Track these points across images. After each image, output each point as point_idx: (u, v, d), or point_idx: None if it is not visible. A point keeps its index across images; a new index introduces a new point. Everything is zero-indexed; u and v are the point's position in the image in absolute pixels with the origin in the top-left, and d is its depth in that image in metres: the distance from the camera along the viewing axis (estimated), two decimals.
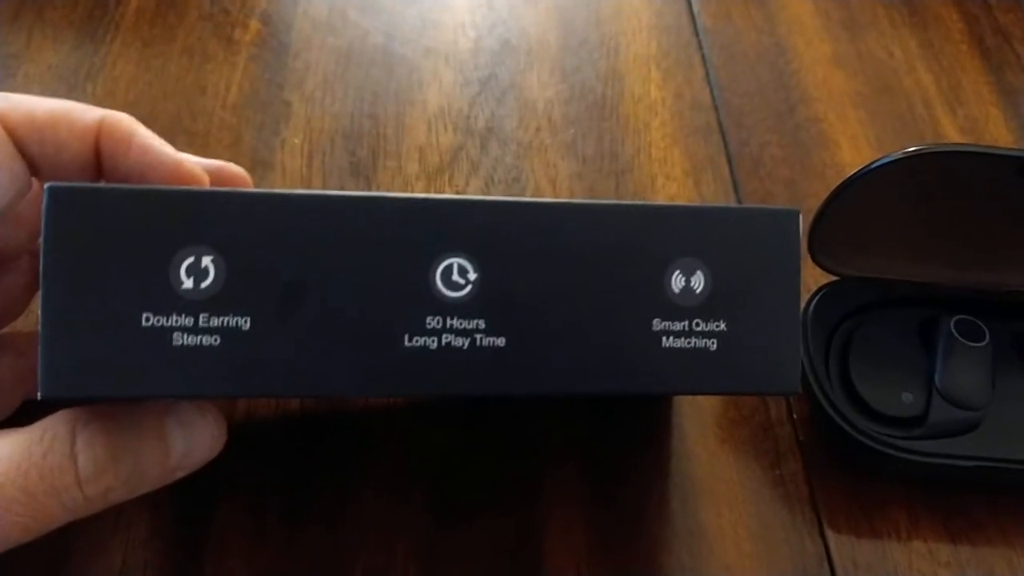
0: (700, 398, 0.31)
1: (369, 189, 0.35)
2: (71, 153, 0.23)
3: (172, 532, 0.26)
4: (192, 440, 0.21)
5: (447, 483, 0.28)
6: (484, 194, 0.36)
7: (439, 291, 0.20)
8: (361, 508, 0.27)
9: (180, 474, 0.22)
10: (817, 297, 0.30)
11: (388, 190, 0.36)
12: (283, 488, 0.27)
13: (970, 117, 0.42)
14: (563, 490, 0.28)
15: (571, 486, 0.28)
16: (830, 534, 0.28)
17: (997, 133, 0.41)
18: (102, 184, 0.22)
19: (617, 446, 0.29)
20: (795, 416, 0.31)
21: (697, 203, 0.36)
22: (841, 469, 0.29)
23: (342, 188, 0.35)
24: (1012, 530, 0.29)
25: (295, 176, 0.35)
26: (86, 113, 0.23)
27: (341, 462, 0.28)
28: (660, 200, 0.36)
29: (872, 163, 0.29)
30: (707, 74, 0.42)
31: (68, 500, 0.20)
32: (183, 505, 0.26)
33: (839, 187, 0.29)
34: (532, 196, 0.36)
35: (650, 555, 0.27)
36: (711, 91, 0.41)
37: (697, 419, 0.30)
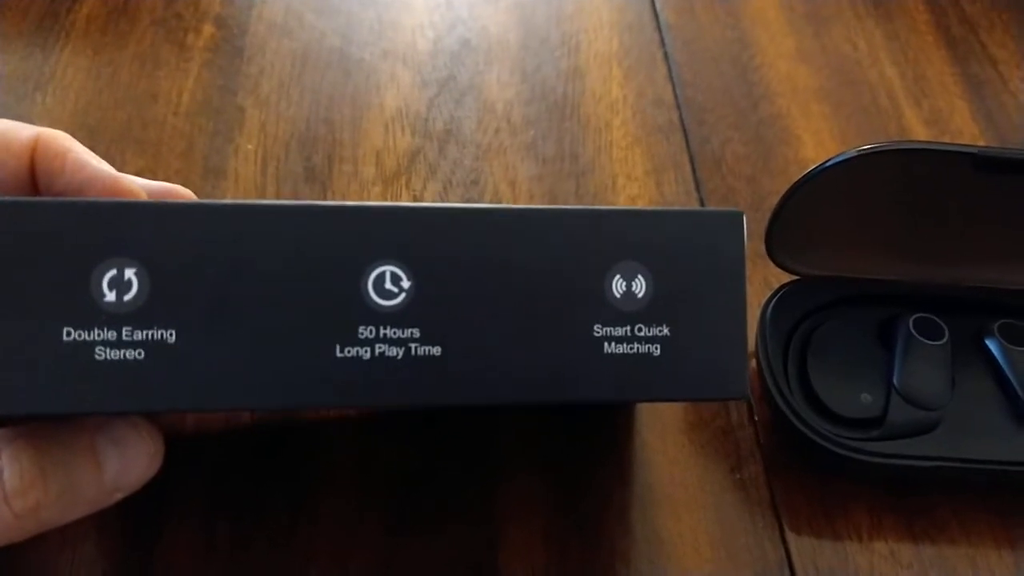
0: (659, 403, 0.30)
1: (324, 195, 0.35)
2: (6, 171, 0.22)
3: (119, 552, 0.26)
4: (126, 457, 0.21)
5: (402, 496, 0.27)
6: (442, 198, 0.35)
7: (372, 300, 0.20)
8: (313, 525, 0.26)
9: (119, 495, 0.21)
10: (776, 297, 0.30)
11: (344, 195, 0.35)
12: (233, 504, 0.27)
13: (935, 109, 0.41)
14: (521, 502, 0.28)
15: (530, 497, 0.28)
16: (791, 537, 0.28)
17: (962, 125, 0.41)
18: (20, 197, 0.21)
19: (577, 454, 0.29)
20: (756, 419, 0.30)
21: (645, 206, 0.36)
22: (802, 472, 0.29)
23: (296, 194, 0.35)
24: (974, 529, 0.28)
25: (248, 183, 0.34)
26: (21, 131, 0.23)
27: (293, 476, 0.27)
28: (620, 201, 0.36)
29: (826, 162, 0.28)
30: (669, 71, 0.41)
31: None
32: (130, 524, 0.26)
33: (794, 185, 0.29)
34: (491, 199, 0.35)
35: (609, 565, 0.27)
36: (673, 88, 0.41)
37: (657, 424, 0.30)
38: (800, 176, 0.29)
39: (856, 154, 0.28)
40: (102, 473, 0.20)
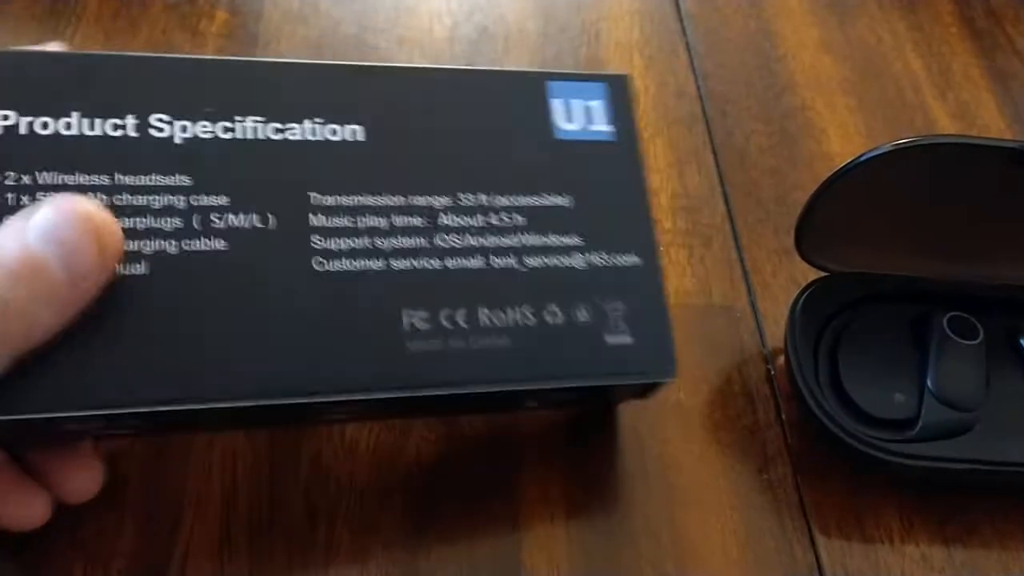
0: (684, 399, 0.30)
1: None
2: None
3: (136, 549, 0.25)
4: (62, 241, 0.19)
5: (423, 495, 0.27)
6: None
7: None
8: (332, 524, 0.26)
9: (85, 284, 0.19)
10: (806, 294, 0.29)
11: None
12: (250, 500, 0.26)
13: (961, 102, 0.41)
14: (544, 501, 0.27)
15: (552, 496, 0.27)
16: (820, 540, 0.27)
17: (989, 118, 0.40)
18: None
19: (599, 453, 0.28)
20: (784, 418, 0.30)
21: (666, 197, 0.35)
22: (831, 473, 0.28)
23: None
24: (1008, 533, 0.28)
25: None
26: None
27: (310, 472, 0.27)
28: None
29: (859, 157, 0.27)
30: (691, 61, 0.40)
31: None
32: (147, 520, 0.25)
33: (826, 182, 0.28)
34: None
35: (635, 565, 0.26)
36: (695, 79, 0.40)
37: (682, 423, 0.29)
38: (833, 171, 0.28)
39: (891, 148, 0.27)
40: (48, 268, 0.19)
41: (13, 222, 0.19)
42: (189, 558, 0.25)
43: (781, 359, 0.31)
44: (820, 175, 0.35)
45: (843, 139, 0.38)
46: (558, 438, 0.28)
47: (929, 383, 0.28)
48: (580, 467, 0.28)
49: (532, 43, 0.40)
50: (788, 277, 0.33)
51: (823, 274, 0.31)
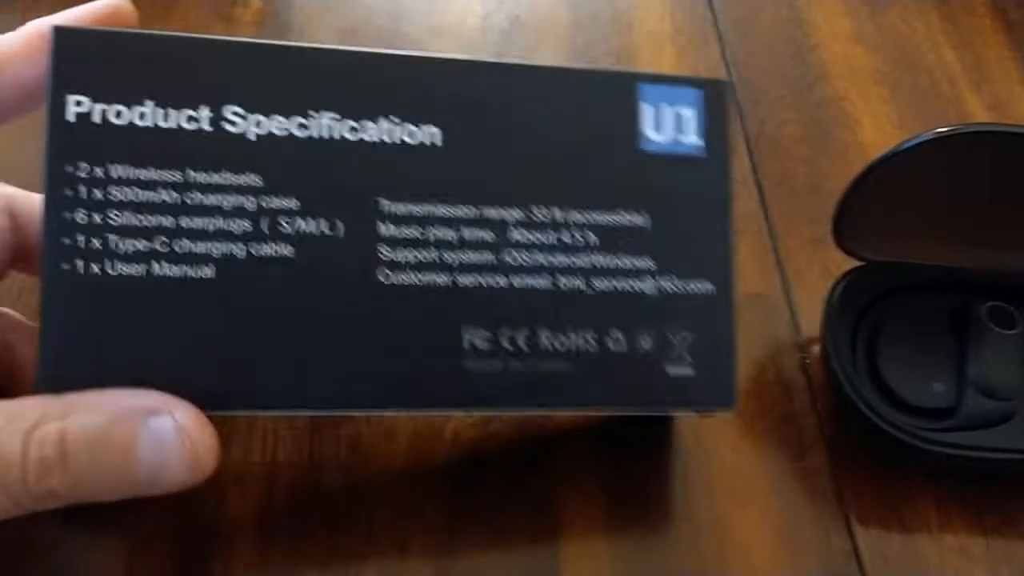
0: None
1: None
2: None
3: (178, 525, 0.25)
4: (167, 461, 0.20)
5: (461, 486, 0.27)
6: None
7: None
8: (372, 511, 0.26)
9: (156, 491, 0.20)
10: (843, 282, 0.29)
11: None
12: (291, 487, 0.26)
13: (995, 94, 0.40)
14: (581, 490, 0.27)
15: (589, 487, 0.27)
16: (858, 529, 0.27)
17: (1023, 111, 0.40)
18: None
19: (635, 442, 0.28)
20: (819, 407, 0.30)
21: None
22: (867, 461, 0.28)
23: None
24: None
25: None
26: None
27: (349, 461, 0.27)
28: None
29: (901, 145, 0.27)
30: (723, 51, 0.40)
31: (14, 493, 0.19)
32: (190, 498, 0.25)
33: (866, 170, 0.28)
34: None
35: (674, 553, 0.26)
36: (727, 68, 0.40)
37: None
38: (872, 160, 0.28)
39: (934, 136, 0.27)
40: (136, 468, 0.19)
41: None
42: (232, 541, 0.25)
43: (815, 348, 0.31)
44: (854, 165, 0.35)
45: (877, 129, 0.38)
46: (595, 423, 0.28)
47: (969, 372, 0.28)
48: (617, 451, 0.28)
49: (564, 33, 0.40)
50: (822, 267, 0.33)
51: (858, 263, 0.30)
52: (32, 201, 0.24)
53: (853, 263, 0.30)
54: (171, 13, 0.38)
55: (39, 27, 0.21)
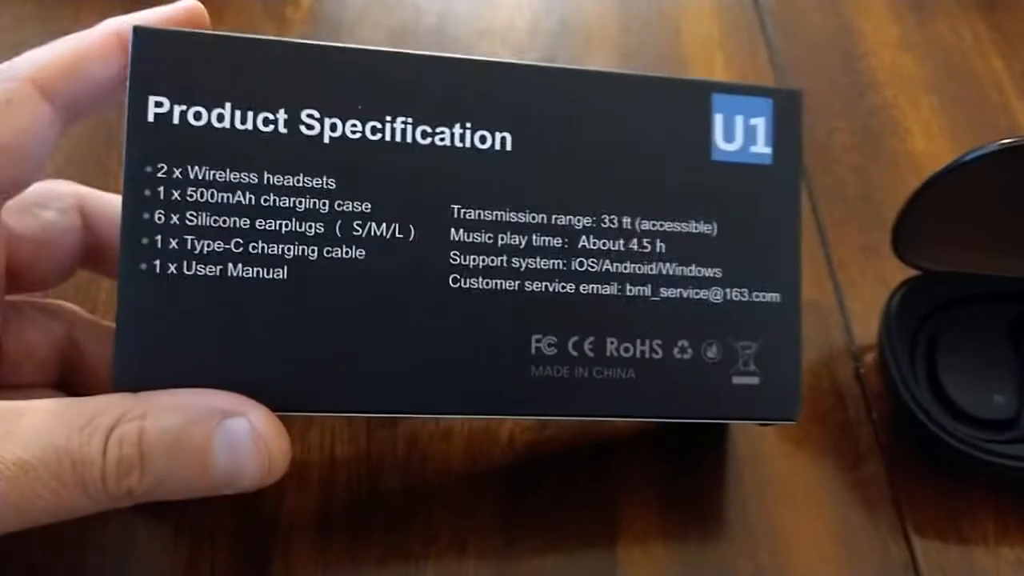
0: None
1: None
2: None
3: (238, 526, 0.25)
4: (241, 464, 0.20)
5: (519, 485, 0.27)
6: None
7: None
8: (430, 510, 0.26)
9: (229, 491, 0.20)
10: (901, 292, 0.29)
11: None
12: (349, 486, 0.26)
13: None
14: (637, 494, 0.27)
15: (645, 490, 0.27)
16: (915, 539, 0.27)
17: None
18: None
19: (690, 448, 0.28)
20: (874, 416, 0.29)
21: None
22: (924, 471, 0.28)
23: None
24: None
25: None
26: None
27: (406, 460, 0.27)
28: None
29: (963, 156, 0.27)
30: (771, 57, 0.40)
31: (93, 492, 0.19)
32: (250, 495, 0.26)
33: (927, 182, 0.28)
34: None
35: (730, 559, 0.26)
36: (775, 75, 0.40)
37: None
38: (934, 172, 0.27)
39: (998, 148, 0.27)
40: (212, 469, 0.20)
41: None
42: (291, 538, 0.25)
43: (870, 356, 0.30)
44: (905, 174, 0.35)
45: (927, 138, 0.38)
46: (651, 428, 0.28)
47: None
48: (673, 458, 0.28)
49: (613, 38, 0.40)
50: (875, 275, 0.33)
51: (912, 272, 0.30)
52: (103, 200, 0.24)
53: (907, 272, 0.30)
54: (223, 13, 0.38)
55: (115, 26, 0.21)
